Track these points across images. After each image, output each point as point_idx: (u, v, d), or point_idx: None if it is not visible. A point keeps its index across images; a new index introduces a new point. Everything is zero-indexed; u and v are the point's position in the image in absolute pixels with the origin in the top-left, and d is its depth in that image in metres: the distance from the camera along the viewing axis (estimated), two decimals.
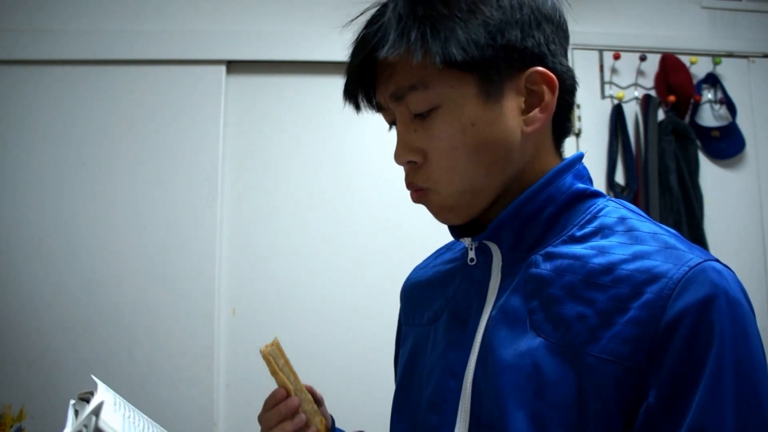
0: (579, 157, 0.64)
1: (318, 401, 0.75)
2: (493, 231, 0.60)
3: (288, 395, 0.69)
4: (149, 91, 1.82)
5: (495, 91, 0.57)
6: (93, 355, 1.69)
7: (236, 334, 1.78)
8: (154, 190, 1.78)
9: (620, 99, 1.98)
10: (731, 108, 2.02)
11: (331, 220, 1.85)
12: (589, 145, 1.94)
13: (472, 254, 0.64)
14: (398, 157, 0.61)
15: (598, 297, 0.53)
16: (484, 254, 0.63)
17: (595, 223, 0.59)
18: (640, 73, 2.01)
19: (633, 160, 1.96)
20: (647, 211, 1.85)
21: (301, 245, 1.83)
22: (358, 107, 0.64)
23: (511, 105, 0.58)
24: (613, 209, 0.60)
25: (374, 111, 0.65)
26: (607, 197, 0.63)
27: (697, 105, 2.03)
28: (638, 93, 2.01)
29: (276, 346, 0.70)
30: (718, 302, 0.48)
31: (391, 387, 0.80)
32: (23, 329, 1.70)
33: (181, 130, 1.81)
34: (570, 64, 0.63)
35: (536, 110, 0.58)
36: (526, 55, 0.57)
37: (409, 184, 0.63)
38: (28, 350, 1.69)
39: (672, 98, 1.96)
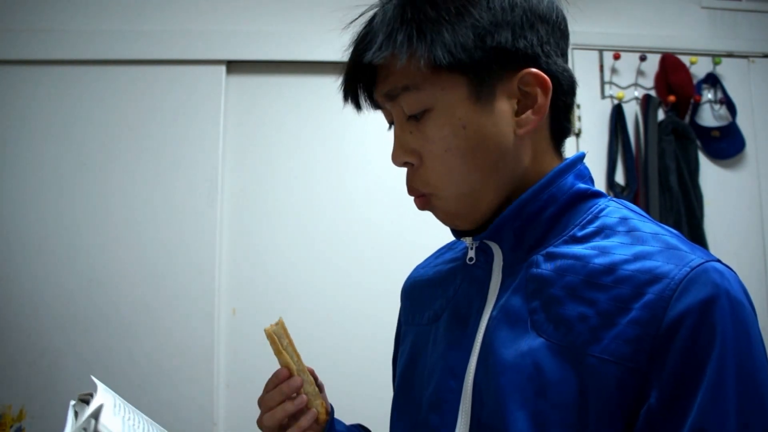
0: (580, 157, 0.63)
1: (319, 387, 0.75)
2: (494, 230, 0.60)
3: (290, 375, 0.69)
4: (149, 91, 1.82)
5: (486, 93, 0.57)
6: (93, 355, 1.69)
7: (236, 334, 1.78)
8: (154, 190, 1.78)
9: (620, 99, 1.98)
10: (731, 108, 2.02)
11: (331, 219, 1.85)
12: (589, 145, 1.94)
13: (471, 254, 0.64)
14: (394, 158, 0.62)
15: (599, 297, 0.53)
16: (485, 254, 0.63)
17: (597, 224, 0.59)
18: (640, 73, 2.01)
19: (633, 160, 1.96)
20: (647, 211, 1.85)
21: (301, 245, 1.83)
22: (358, 107, 0.64)
23: (504, 107, 0.58)
24: (614, 209, 0.60)
25: (374, 109, 0.65)
26: (609, 197, 0.63)
27: (697, 105, 2.03)
28: (638, 93, 2.01)
29: (281, 325, 0.70)
30: (719, 303, 0.48)
31: (390, 387, 0.80)
32: (23, 329, 1.70)
33: (181, 130, 1.81)
34: (570, 64, 0.63)
35: (529, 112, 0.58)
36: (518, 57, 0.57)
37: (411, 189, 0.63)
38: (28, 350, 1.69)
39: (672, 98, 1.96)
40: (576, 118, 1.96)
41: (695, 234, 1.90)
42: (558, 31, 0.61)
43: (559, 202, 0.60)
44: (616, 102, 1.99)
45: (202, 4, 1.88)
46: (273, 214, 1.84)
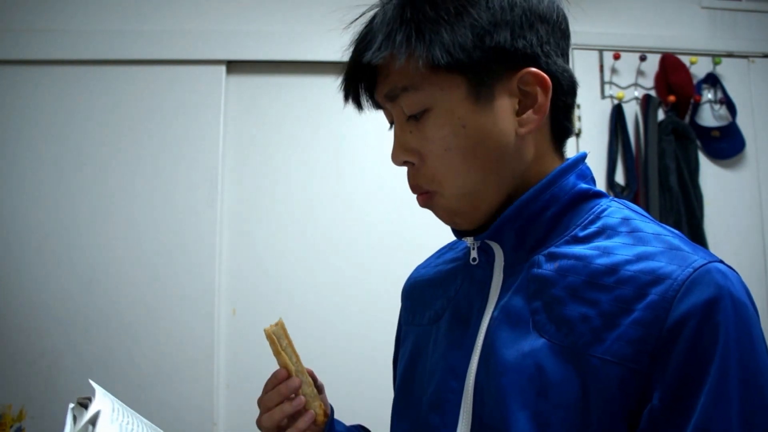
0: (582, 158, 0.63)
1: (318, 388, 0.75)
2: (496, 230, 0.60)
3: (289, 376, 0.69)
4: (149, 91, 1.81)
5: (486, 92, 0.57)
6: (93, 355, 1.69)
7: (236, 334, 1.78)
8: (154, 190, 1.78)
9: (620, 99, 1.98)
10: (731, 108, 2.02)
11: (331, 219, 1.85)
12: (589, 145, 1.94)
13: (474, 254, 0.64)
14: (394, 157, 0.62)
15: (601, 298, 0.53)
16: (486, 254, 0.63)
17: (599, 224, 0.59)
18: (640, 73, 2.01)
19: (633, 160, 1.96)
20: (647, 211, 1.85)
21: (301, 245, 1.83)
22: (360, 106, 0.64)
23: (504, 106, 0.58)
24: (616, 209, 0.60)
25: (376, 109, 0.65)
26: (610, 197, 0.63)
27: (697, 105, 2.03)
28: (638, 93, 2.01)
29: (280, 326, 0.70)
30: (722, 304, 0.48)
31: (391, 388, 0.80)
32: (23, 329, 1.69)
33: (181, 130, 1.81)
34: (570, 64, 0.63)
35: (530, 111, 0.58)
36: (517, 57, 0.57)
37: (414, 186, 0.63)
38: (28, 350, 1.69)
39: (672, 98, 1.96)
40: (576, 118, 1.96)
41: (695, 234, 1.90)
42: (558, 31, 0.60)
43: (560, 202, 0.59)
44: (616, 102, 1.99)
45: (202, 4, 1.88)
46: (273, 214, 1.84)
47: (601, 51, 2.01)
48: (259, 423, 0.70)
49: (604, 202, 0.61)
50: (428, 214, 0.65)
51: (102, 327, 1.71)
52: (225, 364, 1.76)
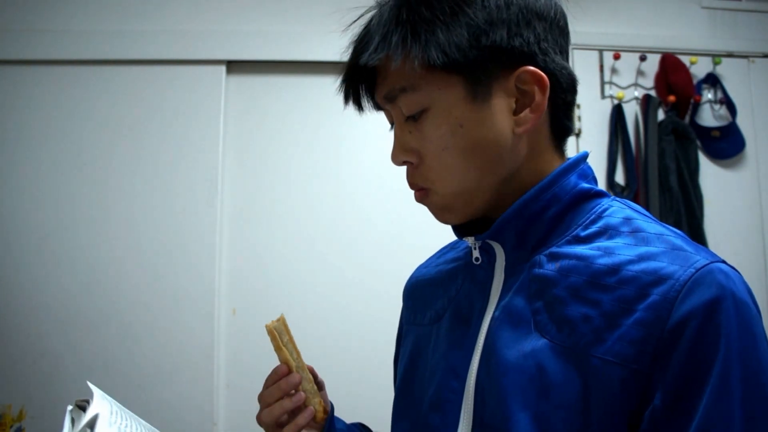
0: (583, 157, 0.63)
1: (319, 385, 0.75)
2: (497, 230, 0.60)
3: (289, 372, 0.69)
4: (149, 91, 1.81)
5: (483, 91, 0.57)
6: (93, 356, 1.69)
7: (236, 334, 1.78)
8: (154, 190, 1.78)
9: (620, 99, 1.98)
10: (731, 108, 2.02)
11: (331, 219, 1.85)
12: (589, 145, 1.94)
13: (476, 253, 0.64)
14: (394, 158, 0.62)
15: (603, 298, 0.52)
16: (487, 254, 0.63)
17: (600, 224, 0.58)
18: (640, 73, 2.01)
19: (633, 160, 1.96)
20: (647, 211, 1.85)
21: (301, 245, 1.83)
22: (360, 108, 0.65)
23: (501, 105, 0.58)
24: (618, 209, 0.60)
25: (376, 110, 0.65)
26: (612, 197, 0.62)
27: (697, 105, 2.03)
28: (638, 93, 2.01)
29: (282, 322, 0.70)
30: (724, 304, 0.48)
31: (391, 387, 0.80)
32: (23, 329, 1.69)
33: (181, 130, 1.81)
34: (570, 64, 0.63)
35: (527, 110, 0.58)
36: (514, 55, 0.57)
37: (411, 184, 0.63)
38: (28, 350, 1.69)
39: (672, 98, 1.96)
40: (576, 118, 1.96)
41: (695, 234, 1.90)
42: (556, 29, 0.60)
43: (561, 202, 0.59)
44: (616, 102, 1.99)
45: (202, 4, 1.88)
46: (273, 214, 1.84)
47: (601, 51, 2.01)
48: (258, 418, 0.70)
49: (605, 202, 0.61)
50: (428, 213, 0.65)
51: (102, 327, 1.71)
52: (225, 364, 1.76)
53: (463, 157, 0.58)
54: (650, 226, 0.57)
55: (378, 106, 0.64)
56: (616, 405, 0.50)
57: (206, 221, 1.77)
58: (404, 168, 0.64)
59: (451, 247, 0.77)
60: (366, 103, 0.64)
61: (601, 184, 1.95)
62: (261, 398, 0.70)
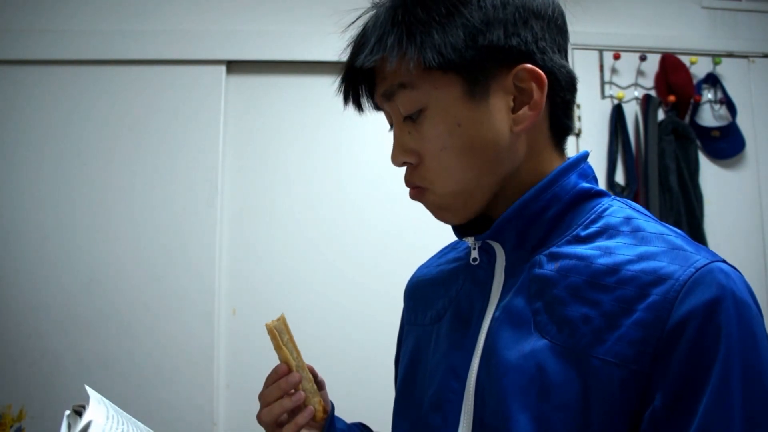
0: (584, 156, 0.63)
1: (319, 384, 0.75)
2: (497, 230, 0.60)
3: (289, 371, 0.69)
4: (149, 91, 1.81)
5: (480, 90, 0.57)
6: (93, 356, 1.69)
7: (236, 334, 1.78)
8: (154, 190, 1.78)
9: (620, 99, 1.98)
10: (731, 108, 2.02)
11: (331, 219, 1.85)
12: (589, 145, 1.94)
13: (475, 254, 0.64)
14: (394, 158, 0.62)
15: (603, 298, 0.52)
16: (487, 254, 0.63)
17: (600, 223, 0.58)
18: (640, 73, 2.01)
19: (633, 160, 1.96)
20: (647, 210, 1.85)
21: (301, 245, 1.83)
22: (360, 108, 0.65)
23: (499, 104, 0.58)
24: (618, 209, 0.60)
25: (376, 110, 0.65)
26: (613, 197, 0.62)
27: (697, 105, 2.03)
28: (638, 93, 2.01)
29: (282, 321, 0.70)
30: (725, 304, 0.47)
31: (391, 387, 0.80)
32: (23, 329, 1.69)
33: (181, 130, 1.81)
34: (570, 63, 0.63)
35: (525, 108, 0.58)
36: (512, 54, 0.57)
37: (407, 182, 0.63)
38: (28, 350, 1.69)
39: (672, 98, 1.96)
40: (576, 118, 1.96)
41: (695, 234, 1.90)
42: (554, 27, 0.60)
43: (562, 202, 0.59)
44: (616, 102, 1.99)
45: (202, 4, 1.88)
46: (273, 214, 1.84)
47: (601, 51, 2.01)
48: (258, 417, 0.70)
49: (605, 202, 0.60)
50: (428, 214, 0.65)
51: (102, 327, 1.71)
52: (225, 364, 1.76)
53: (461, 156, 0.58)
54: (650, 225, 0.57)
55: (377, 106, 0.64)
56: (616, 405, 0.49)
57: (206, 221, 1.77)
58: (404, 168, 0.64)
59: (452, 247, 0.77)
60: (365, 104, 0.64)
61: (601, 184, 1.95)
62: (261, 397, 0.70)
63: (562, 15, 0.61)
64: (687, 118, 2.01)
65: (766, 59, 2.09)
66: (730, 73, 2.05)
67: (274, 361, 0.70)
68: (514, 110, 0.58)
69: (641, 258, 0.53)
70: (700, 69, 2.03)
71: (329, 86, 0.68)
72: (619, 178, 1.97)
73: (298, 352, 0.71)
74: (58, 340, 1.69)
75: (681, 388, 0.47)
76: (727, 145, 2.01)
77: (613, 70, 2.01)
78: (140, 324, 1.72)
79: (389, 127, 0.65)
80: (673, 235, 0.55)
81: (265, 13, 1.90)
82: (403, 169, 0.64)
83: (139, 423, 0.64)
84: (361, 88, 0.63)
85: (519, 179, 0.60)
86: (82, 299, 1.72)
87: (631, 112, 2.00)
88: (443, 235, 0.74)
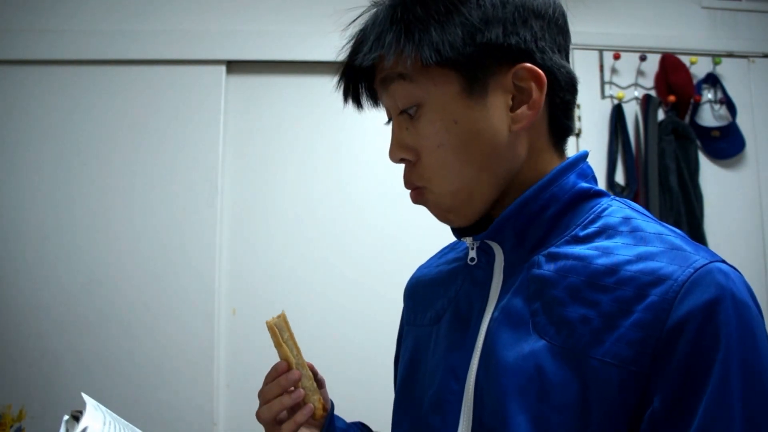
0: (583, 156, 0.63)
1: (319, 383, 0.75)
2: (495, 230, 0.59)
3: (289, 369, 0.69)
4: (149, 91, 1.81)
5: (479, 89, 0.57)
6: (93, 356, 1.69)
7: (236, 334, 1.78)
8: (154, 190, 1.78)
9: (620, 99, 1.98)
10: (731, 108, 2.02)
11: (331, 219, 1.85)
12: (589, 145, 1.94)
13: (472, 254, 0.63)
14: (391, 154, 0.62)
15: (601, 299, 0.52)
16: (486, 254, 0.63)
17: (599, 223, 0.58)
18: (640, 73, 2.01)
19: (633, 160, 1.96)
20: (647, 211, 1.85)
21: (301, 245, 1.83)
22: (359, 105, 0.65)
23: (497, 102, 0.57)
24: (617, 209, 0.59)
25: (375, 106, 0.65)
26: (612, 196, 0.62)
27: (697, 105, 2.03)
28: (638, 93, 2.01)
29: (282, 318, 0.70)
30: (724, 305, 0.47)
31: (391, 388, 0.80)
32: (23, 329, 1.69)
33: (181, 130, 1.81)
34: (570, 63, 0.63)
35: (524, 107, 0.57)
36: (510, 53, 0.56)
37: (407, 182, 0.63)
38: (28, 350, 1.69)
39: (672, 98, 1.96)
40: (576, 118, 1.96)
41: (695, 234, 1.90)
42: (555, 27, 0.60)
43: (560, 202, 0.59)
44: (616, 102, 1.99)
45: (202, 4, 1.88)
46: (273, 214, 1.84)
47: (601, 51, 2.01)
48: (258, 415, 0.70)
49: (605, 202, 0.60)
50: (428, 213, 0.65)
51: (102, 327, 1.71)
52: (225, 364, 1.76)
53: (458, 153, 0.58)
54: (649, 225, 0.56)
55: (377, 103, 0.64)
56: (615, 407, 0.49)
57: (206, 221, 1.77)
58: (402, 165, 0.63)
59: (451, 247, 0.77)
60: (365, 100, 0.64)
61: (601, 185, 1.95)
62: (260, 394, 0.70)
63: (563, 15, 0.61)
64: (687, 118, 2.01)
65: (766, 59, 2.09)
66: (730, 73, 2.05)
67: (274, 360, 0.70)
68: (512, 109, 0.58)
69: (640, 258, 0.52)
70: (700, 69, 2.03)
71: (329, 86, 0.68)
72: (619, 178, 1.97)
73: (299, 350, 0.71)
74: (58, 340, 1.69)
75: (680, 389, 0.47)
76: (727, 145, 2.01)
77: (613, 70, 2.01)
78: (140, 324, 1.72)
79: (387, 119, 0.65)
80: (673, 235, 0.55)
81: (265, 13, 1.90)
82: (402, 167, 0.64)
83: (137, 429, 0.64)
84: (361, 86, 0.63)
85: (521, 180, 0.60)
86: (82, 299, 1.72)
87: (631, 112, 2.00)
88: (443, 235, 0.74)
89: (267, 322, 0.69)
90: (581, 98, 1.95)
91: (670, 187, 1.90)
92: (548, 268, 0.57)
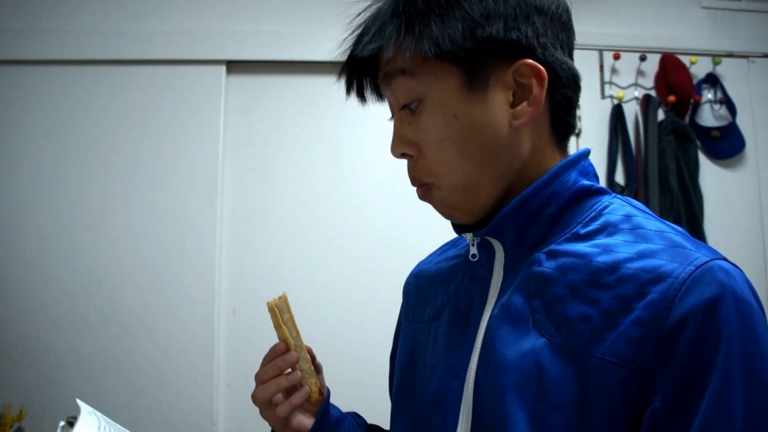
0: (584, 154, 0.63)
1: (317, 368, 0.74)
2: (495, 227, 0.59)
3: (288, 350, 0.69)
4: (149, 91, 1.82)
5: (479, 83, 0.57)
6: (93, 356, 1.69)
7: (236, 334, 1.78)
8: (154, 190, 1.78)
9: (620, 99, 1.98)
10: (731, 108, 2.02)
11: (331, 219, 1.85)
12: (589, 144, 1.92)
13: (474, 250, 0.63)
14: (393, 149, 0.62)
15: (602, 297, 0.52)
16: (486, 251, 0.62)
17: (600, 221, 0.58)
18: (640, 73, 2.01)
19: (633, 160, 1.96)
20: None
21: (301, 245, 1.83)
22: (363, 98, 0.65)
23: (498, 98, 0.57)
24: (618, 206, 0.59)
25: (379, 100, 0.65)
26: (613, 194, 0.62)
27: (697, 105, 2.03)
28: (638, 93, 2.01)
29: (284, 300, 0.70)
30: (725, 302, 0.46)
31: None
32: (23, 329, 1.69)
33: (181, 130, 1.81)
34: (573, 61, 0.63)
35: (524, 103, 0.57)
36: (511, 48, 0.56)
37: (413, 178, 0.63)
38: (28, 350, 1.69)
39: (672, 98, 1.96)
40: (576, 118, 1.96)
41: (695, 234, 1.90)
42: (557, 24, 0.59)
43: (561, 199, 0.59)
44: (616, 102, 1.99)
45: (202, 4, 1.88)
46: (273, 214, 1.84)
47: (601, 51, 2.01)
48: (253, 396, 0.70)
49: (606, 199, 0.60)
50: (428, 213, 0.65)
51: (102, 327, 1.71)
52: (225, 364, 1.76)
53: (459, 148, 0.58)
54: (650, 223, 0.56)
55: (380, 96, 0.64)
56: (615, 405, 0.49)
57: (206, 221, 1.77)
58: (404, 167, 0.63)
59: (452, 244, 0.76)
60: (368, 94, 0.64)
61: (601, 185, 1.95)
62: (257, 376, 0.70)
63: (566, 12, 0.61)
64: (687, 118, 2.01)
65: (766, 59, 2.09)
66: (730, 73, 2.05)
67: None
68: (513, 105, 0.58)
69: (641, 256, 0.52)
70: (700, 69, 2.03)
71: (329, 86, 0.68)
72: (619, 178, 1.97)
73: (298, 332, 0.71)
74: (58, 340, 1.69)
75: (681, 387, 0.47)
76: (727, 145, 2.01)
77: (613, 70, 2.01)
78: (140, 324, 1.72)
79: (390, 115, 0.65)
80: (674, 232, 0.54)
81: (265, 13, 1.90)
82: (404, 169, 0.63)
83: None
84: (366, 82, 0.63)
85: (523, 177, 0.60)
86: (82, 299, 1.72)
87: (631, 112, 2.00)
88: (443, 235, 0.74)
89: (268, 303, 0.69)
90: (581, 98, 1.94)
91: (670, 187, 1.90)
92: (549, 266, 0.57)
